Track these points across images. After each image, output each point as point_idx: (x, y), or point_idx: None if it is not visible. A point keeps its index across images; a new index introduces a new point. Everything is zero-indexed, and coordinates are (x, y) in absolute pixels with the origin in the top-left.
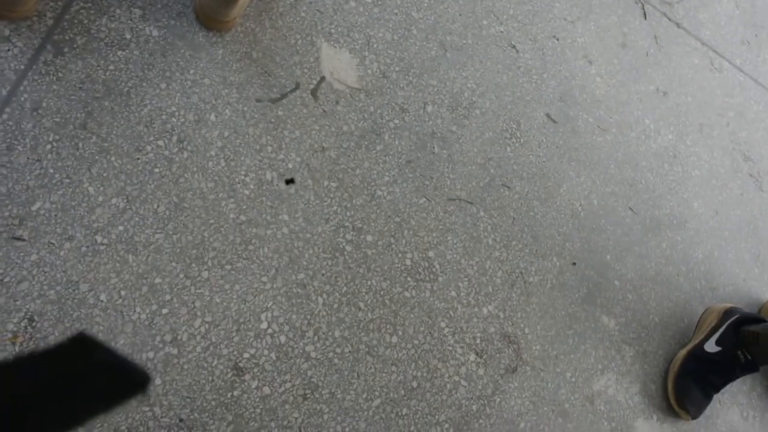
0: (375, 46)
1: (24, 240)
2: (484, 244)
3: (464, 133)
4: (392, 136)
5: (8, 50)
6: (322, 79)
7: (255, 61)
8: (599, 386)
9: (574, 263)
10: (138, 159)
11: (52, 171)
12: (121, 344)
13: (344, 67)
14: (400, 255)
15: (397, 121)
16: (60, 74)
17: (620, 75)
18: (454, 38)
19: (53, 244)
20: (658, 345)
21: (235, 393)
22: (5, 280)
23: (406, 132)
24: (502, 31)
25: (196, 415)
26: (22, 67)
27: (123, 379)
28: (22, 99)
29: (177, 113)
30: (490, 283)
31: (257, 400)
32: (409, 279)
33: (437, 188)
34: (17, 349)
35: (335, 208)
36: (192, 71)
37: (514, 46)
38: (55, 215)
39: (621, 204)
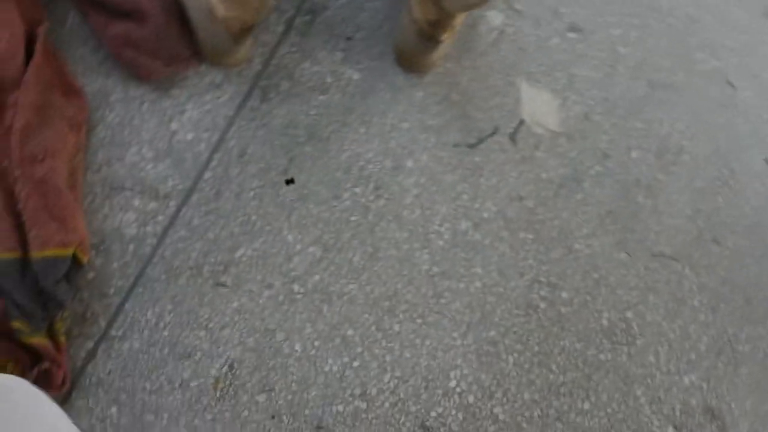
0: (577, 85)
1: (227, 287)
2: (688, 305)
3: (671, 181)
4: (593, 183)
5: (219, 97)
6: (522, 122)
7: (454, 104)
8: None
9: None
10: (335, 206)
11: (255, 218)
12: (313, 395)
13: (545, 109)
14: (596, 314)
15: (599, 168)
16: (265, 120)
17: None
18: (663, 75)
19: (253, 291)
20: None
21: None
22: (210, 325)
23: (609, 179)
24: (717, 67)
25: None
26: (231, 113)
27: None
28: (230, 145)
29: (374, 159)
30: (693, 349)
31: None
32: (604, 341)
33: (640, 242)
34: (218, 394)
35: (530, 261)
36: (391, 115)
37: (730, 83)
38: (256, 262)
39: None
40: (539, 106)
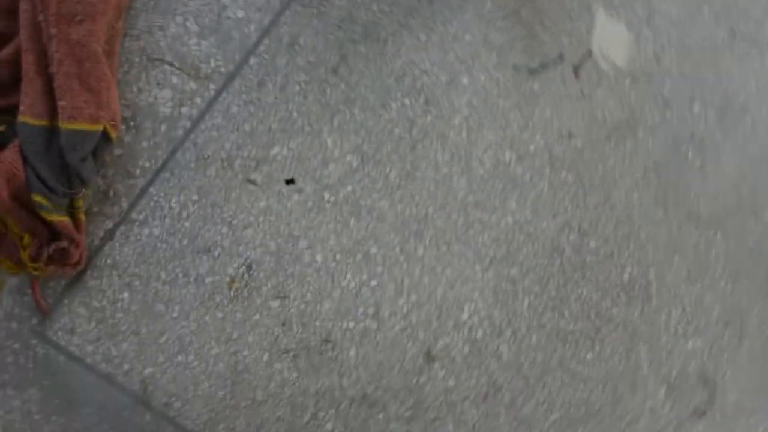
0: (656, 22)
1: (257, 184)
2: (710, 272)
3: (726, 143)
4: (647, 133)
5: None
6: (589, 53)
7: (522, 21)
8: None
9: None
10: (381, 115)
11: (296, 115)
12: (326, 308)
13: (616, 42)
14: (619, 268)
15: (657, 117)
16: (323, 8)
17: None
18: (749, 26)
19: (282, 193)
20: None
21: (421, 379)
22: (233, 222)
23: (663, 131)
24: None
25: (379, 393)
26: None
27: None
28: (281, 31)
29: (430, 70)
30: (704, 316)
31: (440, 390)
32: (622, 295)
33: (678, 201)
34: (232, 294)
35: (566, 204)
36: (455, 23)
37: None
38: (290, 163)
39: None
40: (611, 39)
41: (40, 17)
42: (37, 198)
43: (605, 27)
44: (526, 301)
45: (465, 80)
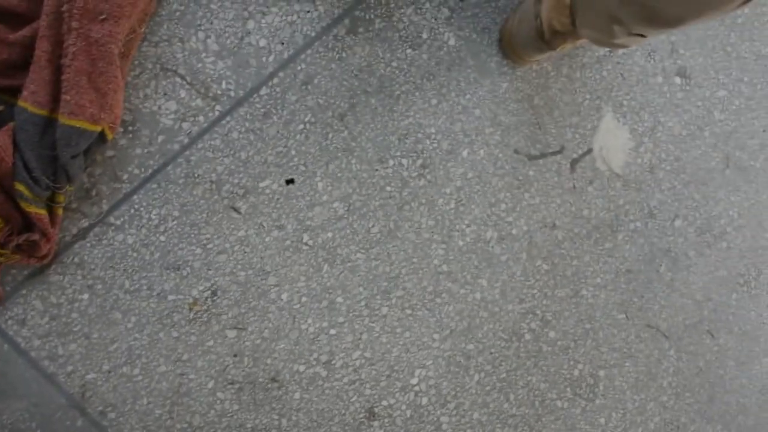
0: (659, 135)
1: (240, 213)
2: (657, 384)
3: (698, 263)
4: (626, 238)
5: (308, 12)
6: (589, 151)
7: (533, 108)
8: None
9: None
10: (376, 170)
11: (293, 153)
12: (281, 347)
13: (617, 146)
14: (572, 362)
15: (638, 224)
16: (344, 54)
17: None
18: (743, 156)
19: (263, 227)
20: None
21: None
22: (209, 245)
23: (642, 240)
24: None
25: None
26: (313, 34)
27: None
28: (298, 68)
29: (433, 136)
30: (642, 425)
31: None
32: (568, 390)
33: (642, 309)
34: (190, 316)
35: (535, 291)
36: (468, 96)
37: None
38: (277, 199)
39: None
40: (613, 141)
41: (65, 7)
42: (20, 187)
43: (609, 129)
44: (476, 378)
45: (465, 152)
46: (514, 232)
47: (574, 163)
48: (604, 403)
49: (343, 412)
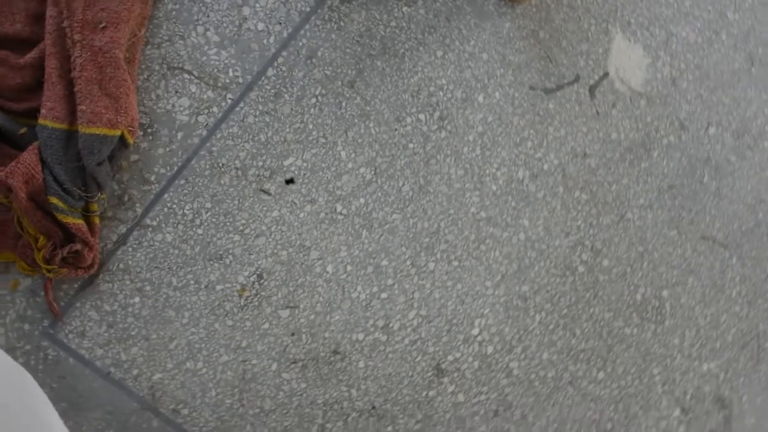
0: (674, 46)
1: (270, 194)
2: (726, 294)
3: (743, 166)
4: (662, 154)
5: None
6: (605, 75)
7: (540, 42)
8: None
9: None
10: (396, 130)
11: (311, 127)
12: (336, 319)
13: (633, 65)
14: (632, 288)
15: (672, 138)
16: (342, 23)
17: None
18: (766, 51)
19: (296, 204)
20: None
21: (430, 393)
22: (246, 231)
23: (678, 153)
24: None
25: (388, 405)
26: (308, 9)
27: None
28: (300, 44)
29: (446, 87)
30: (720, 338)
31: (449, 405)
32: (634, 315)
33: (693, 223)
34: (242, 302)
35: (579, 222)
36: (472, 42)
37: None
38: (304, 174)
39: None
40: (628, 61)
41: (65, 23)
42: (54, 200)
43: (622, 50)
44: (538, 318)
45: (480, 98)
46: (545, 167)
47: (592, 89)
48: (674, 323)
49: (410, 373)
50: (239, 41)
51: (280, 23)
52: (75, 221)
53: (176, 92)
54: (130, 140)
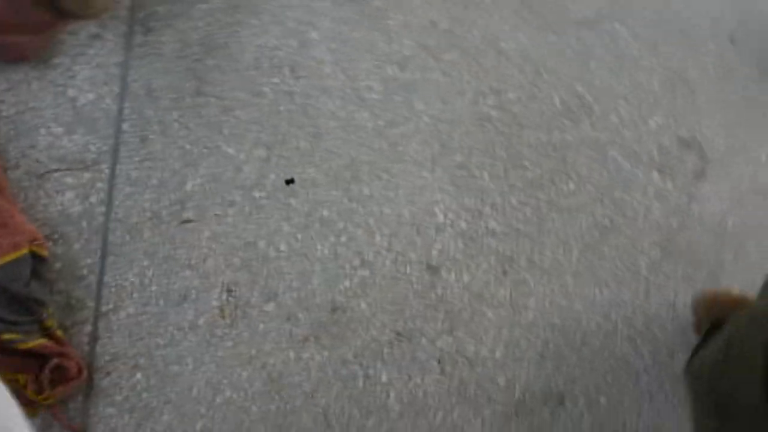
0: None
1: (192, 221)
2: (628, 57)
3: None
4: None
5: (102, 47)
6: None
7: None
8: None
9: (733, 40)
10: (260, 103)
11: (189, 147)
12: (317, 284)
13: None
14: (547, 100)
15: None
16: (157, 50)
17: None
18: None
19: (218, 214)
20: None
21: (438, 291)
22: (192, 262)
23: None
24: None
25: (410, 324)
26: (121, 58)
27: None
28: (134, 88)
29: (279, 45)
30: (649, 94)
31: (461, 290)
32: (564, 121)
33: (560, 16)
34: (228, 321)
35: (466, 77)
36: None
37: None
38: (209, 187)
39: None
40: None
41: None
42: (6, 336)
43: None
44: (486, 175)
45: (314, 34)
46: (407, 53)
47: None
48: (602, 107)
49: (410, 287)
50: (82, 119)
51: (106, 83)
52: (37, 343)
53: (57, 192)
54: (44, 252)
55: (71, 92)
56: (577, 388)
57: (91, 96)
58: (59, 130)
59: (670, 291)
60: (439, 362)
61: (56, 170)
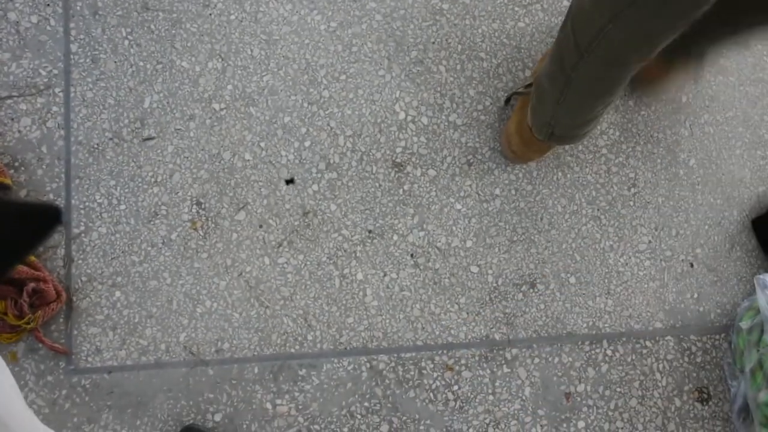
0: None
1: (154, 137)
2: None
3: None
4: None
5: None
6: None
7: None
8: None
9: None
10: (210, 14)
11: (142, 64)
12: (285, 190)
13: None
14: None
15: None
16: None
17: None
18: None
19: (180, 129)
20: None
21: (405, 187)
22: (159, 179)
23: None
24: None
25: (380, 221)
26: None
27: (36, 217)
28: (78, 8)
29: None
30: None
31: (428, 184)
32: (516, 8)
33: None
34: (201, 233)
35: None
36: None
37: None
38: (168, 102)
39: None
40: None
41: None
42: None
43: None
44: (443, 69)
45: None
46: None
47: None
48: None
49: (377, 185)
50: (28, 43)
51: (48, 4)
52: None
53: (12, 119)
54: (7, 180)
55: (13, 16)
56: (547, 270)
57: (34, 19)
58: (6, 56)
59: (629, 170)
60: (412, 256)
61: (8, 97)
